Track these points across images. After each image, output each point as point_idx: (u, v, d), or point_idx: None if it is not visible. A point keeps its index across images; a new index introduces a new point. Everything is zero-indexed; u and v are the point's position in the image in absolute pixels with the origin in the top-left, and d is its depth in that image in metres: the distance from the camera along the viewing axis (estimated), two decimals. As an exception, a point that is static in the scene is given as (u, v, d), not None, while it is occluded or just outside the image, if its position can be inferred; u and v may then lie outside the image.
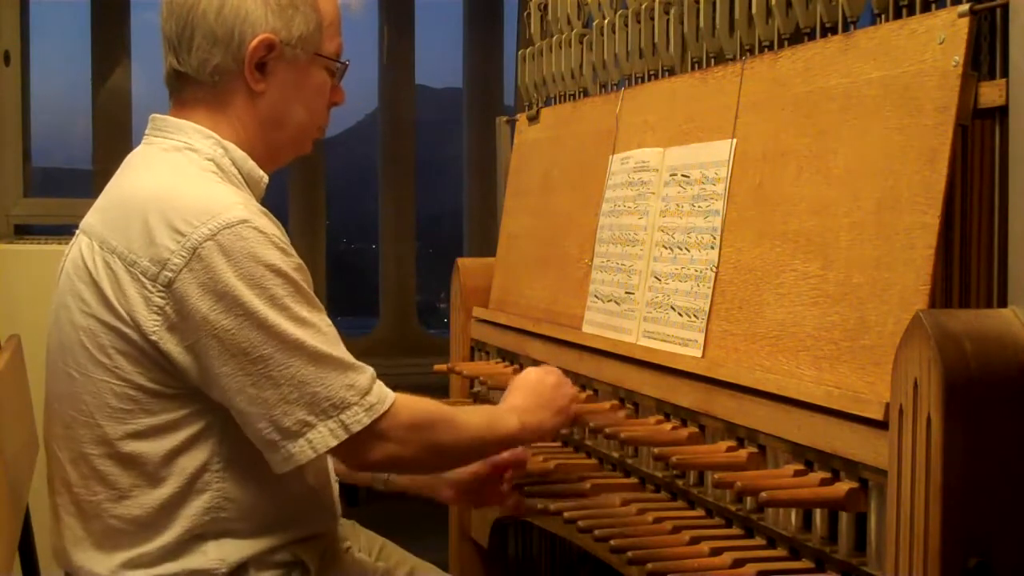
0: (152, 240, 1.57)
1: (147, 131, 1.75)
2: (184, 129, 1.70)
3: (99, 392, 1.62)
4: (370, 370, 1.63)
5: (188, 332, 1.56)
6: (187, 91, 1.72)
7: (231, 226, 1.55)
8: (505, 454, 1.93)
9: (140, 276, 1.57)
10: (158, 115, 1.75)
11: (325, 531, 1.78)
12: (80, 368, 1.64)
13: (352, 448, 1.60)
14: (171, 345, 1.57)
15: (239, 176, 1.71)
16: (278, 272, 1.57)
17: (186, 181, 1.65)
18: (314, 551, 1.73)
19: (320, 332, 1.59)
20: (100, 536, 1.65)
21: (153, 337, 1.57)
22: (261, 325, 1.55)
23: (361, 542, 1.95)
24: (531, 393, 1.85)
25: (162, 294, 1.56)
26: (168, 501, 1.62)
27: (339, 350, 1.61)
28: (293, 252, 1.63)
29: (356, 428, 1.58)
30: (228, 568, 1.63)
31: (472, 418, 1.76)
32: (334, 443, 1.58)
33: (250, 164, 1.73)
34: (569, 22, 2.56)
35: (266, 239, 1.57)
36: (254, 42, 1.68)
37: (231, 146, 1.71)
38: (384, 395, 1.62)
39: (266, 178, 1.76)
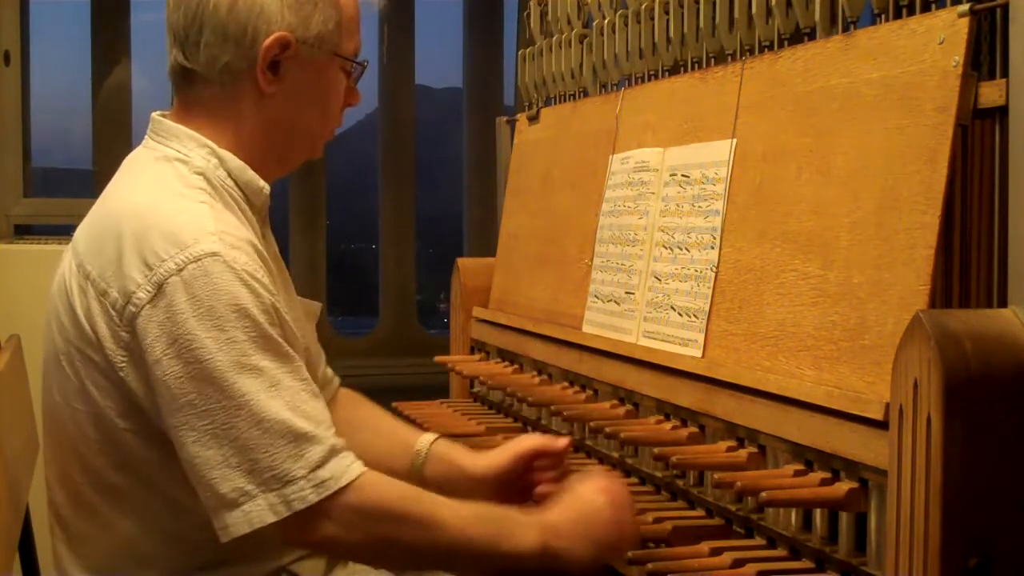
0: (121, 270, 1.48)
1: (148, 132, 1.66)
2: (180, 136, 1.61)
3: (78, 421, 1.55)
4: (331, 442, 1.46)
5: (146, 372, 1.47)
6: (193, 89, 1.62)
7: (198, 259, 1.45)
8: (535, 441, 1.77)
9: (109, 308, 1.49)
10: (158, 116, 1.65)
11: None
12: (62, 393, 1.57)
13: (294, 525, 1.44)
14: (136, 383, 1.49)
15: (235, 188, 1.61)
16: (241, 312, 1.45)
17: (166, 202, 1.54)
18: (315, 566, 1.69)
19: (278, 387, 1.45)
20: (88, 562, 1.60)
21: (120, 372, 1.49)
22: (210, 376, 1.42)
23: None
24: (577, 515, 1.56)
25: (127, 329, 1.48)
26: (159, 534, 1.55)
27: (298, 412, 1.45)
28: (267, 290, 1.50)
29: (299, 506, 1.43)
30: None
31: (467, 524, 1.50)
32: (272, 519, 1.42)
33: (249, 174, 1.62)
34: (569, 22, 2.56)
35: (234, 275, 1.46)
36: (268, 40, 1.57)
37: (228, 155, 1.60)
38: (340, 473, 1.45)
39: (267, 188, 1.65)
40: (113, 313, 1.48)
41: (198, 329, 1.43)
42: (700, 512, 1.77)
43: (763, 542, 1.62)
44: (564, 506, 1.58)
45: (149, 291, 1.46)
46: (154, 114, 1.66)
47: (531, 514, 1.56)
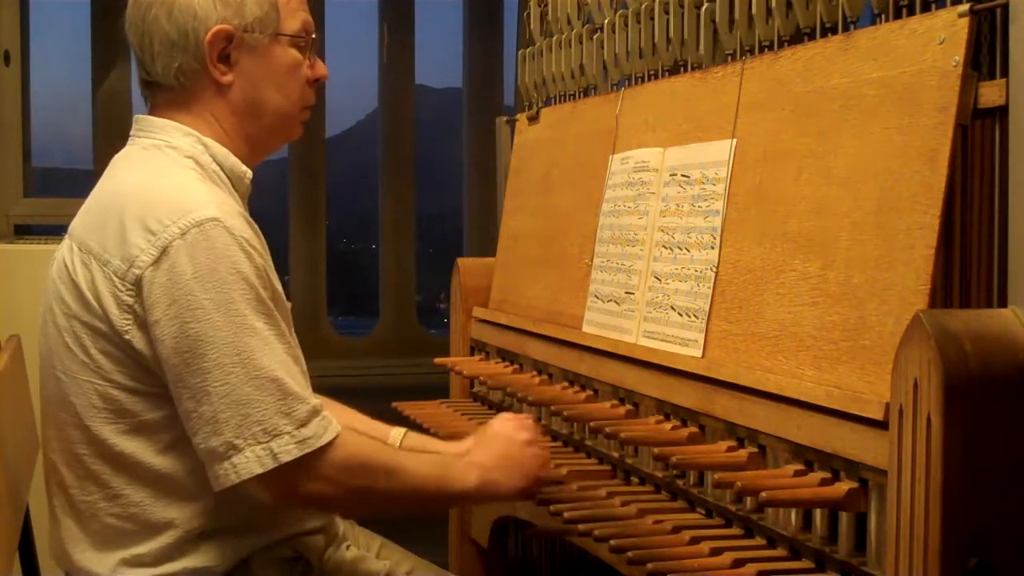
0: (125, 239, 1.57)
1: (132, 131, 1.77)
2: (165, 128, 1.71)
3: (85, 393, 1.62)
4: (313, 402, 1.58)
5: (149, 331, 1.56)
6: (159, 96, 1.73)
7: (200, 224, 1.55)
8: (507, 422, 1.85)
9: (112, 275, 1.58)
10: (141, 115, 1.76)
11: (325, 525, 1.78)
12: (66, 370, 1.64)
13: (279, 479, 1.55)
14: (142, 344, 1.57)
15: (220, 174, 1.71)
16: (239, 276, 1.55)
17: (162, 179, 1.65)
18: (315, 546, 1.73)
19: (269, 347, 1.55)
20: (97, 536, 1.65)
21: (126, 336, 1.58)
22: (207, 335, 1.52)
23: (360, 542, 1.95)
24: (499, 451, 1.75)
25: (131, 292, 1.56)
26: (163, 501, 1.62)
27: (286, 371, 1.56)
28: (262, 257, 1.61)
29: (285, 459, 1.53)
30: (228, 566, 1.63)
31: (422, 467, 1.67)
32: (260, 471, 1.53)
33: (232, 160, 1.72)
34: (569, 22, 2.56)
35: (233, 240, 1.56)
36: (208, 36, 1.67)
37: (212, 143, 1.70)
38: (322, 431, 1.57)
39: (249, 174, 1.75)
40: (116, 279, 1.57)
41: (198, 290, 1.53)
42: (700, 512, 1.77)
43: (763, 542, 1.62)
44: (490, 446, 1.76)
45: (153, 254, 1.55)
46: (137, 115, 1.77)
47: (465, 456, 1.73)
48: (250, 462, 1.53)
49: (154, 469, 1.61)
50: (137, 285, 1.55)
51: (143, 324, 1.56)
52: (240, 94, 1.71)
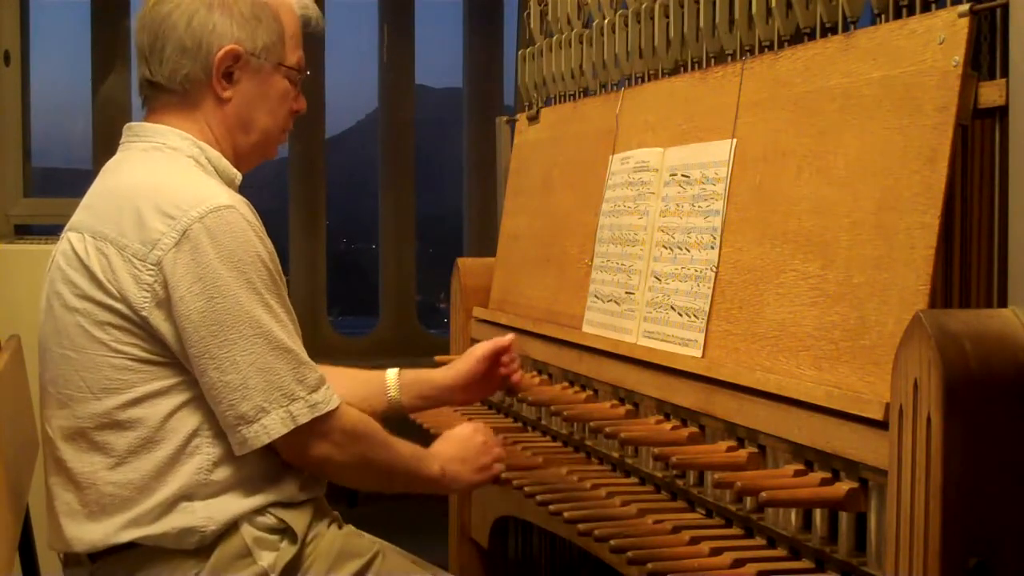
0: (143, 225, 1.67)
1: (123, 140, 1.84)
2: (161, 132, 1.80)
3: (97, 366, 1.71)
4: (320, 371, 1.72)
5: (171, 309, 1.67)
6: (159, 99, 1.82)
7: (217, 209, 1.67)
8: (489, 344, 2.08)
9: (131, 258, 1.68)
10: (133, 123, 1.85)
11: (312, 499, 1.82)
12: (76, 347, 1.72)
13: (295, 441, 1.69)
14: (160, 321, 1.67)
15: (215, 174, 1.80)
16: (257, 257, 1.68)
17: (171, 174, 1.76)
18: (301, 517, 1.78)
19: (282, 322, 1.70)
20: (95, 505, 1.72)
21: (144, 313, 1.67)
22: (232, 310, 1.65)
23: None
24: (458, 447, 1.93)
25: (151, 272, 1.67)
26: (160, 464, 1.70)
27: (297, 343, 1.71)
28: (270, 241, 1.74)
29: (301, 420, 1.68)
30: (217, 526, 1.70)
31: (404, 448, 1.83)
32: (284, 431, 1.67)
33: (224, 163, 1.83)
34: (569, 22, 2.56)
35: (248, 225, 1.69)
36: (220, 52, 1.78)
37: (206, 146, 1.81)
38: (329, 398, 1.71)
39: (239, 177, 1.86)
40: (136, 261, 1.68)
41: (222, 269, 1.66)
42: (700, 512, 1.77)
43: (763, 542, 1.62)
44: (452, 443, 1.94)
45: (174, 237, 1.66)
46: (128, 124, 1.86)
47: (430, 450, 1.91)
48: (276, 423, 1.66)
49: (156, 435, 1.70)
50: (158, 265, 1.66)
51: (162, 302, 1.67)
52: (235, 110, 1.83)
